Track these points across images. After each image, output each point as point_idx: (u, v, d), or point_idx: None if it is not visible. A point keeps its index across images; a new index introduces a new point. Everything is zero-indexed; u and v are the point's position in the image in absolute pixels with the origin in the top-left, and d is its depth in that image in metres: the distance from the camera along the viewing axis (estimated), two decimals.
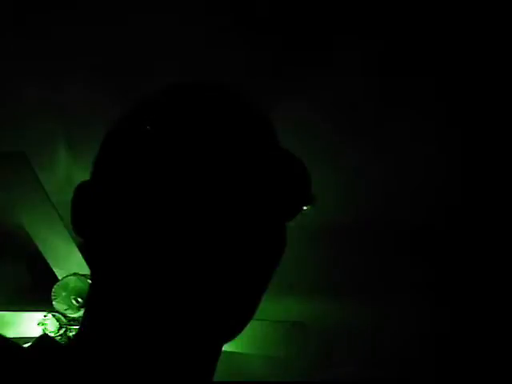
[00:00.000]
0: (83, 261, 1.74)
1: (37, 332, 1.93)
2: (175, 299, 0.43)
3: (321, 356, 2.35)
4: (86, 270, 1.76)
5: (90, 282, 0.52)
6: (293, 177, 0.49)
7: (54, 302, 1.84)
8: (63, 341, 1.93)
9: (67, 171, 1.88)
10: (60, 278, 1.82)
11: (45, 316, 1.90)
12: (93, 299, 0.49)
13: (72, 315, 1.84)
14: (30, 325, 1.93)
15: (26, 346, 0.48)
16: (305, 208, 0.51)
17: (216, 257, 0.43)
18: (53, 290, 1.83)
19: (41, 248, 1.77)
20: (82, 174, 0.51)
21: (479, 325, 2.30)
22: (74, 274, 1.79)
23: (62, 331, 1.91)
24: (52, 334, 1.91)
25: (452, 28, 1.47)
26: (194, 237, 0.42)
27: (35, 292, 2.09)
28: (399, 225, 2.06)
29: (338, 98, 1.67)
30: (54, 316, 1.90)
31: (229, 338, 0.47)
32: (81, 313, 1.80)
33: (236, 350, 1.95)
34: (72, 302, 1.80)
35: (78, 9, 1.45)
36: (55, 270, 1.82)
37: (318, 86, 1.64)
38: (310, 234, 2.09)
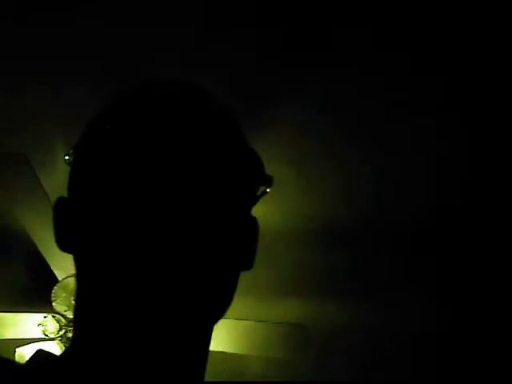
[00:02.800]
0: None
1: (37, 333, 1.93)
2: (153, 296, 0.43)
3: (321, 357, 2.35)
4: None
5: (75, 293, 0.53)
6: (244, 160, 0.49)
7: (53, 303, 1.84)
8: (63, 342, 1.93)
9: (67, 171, 1.87)
10: (60, 279, 1.82)
11: (45, 317, 1.90)
12: (80, 307, 0.51)
13: (72, 316, 1.83)
14: (30, 326, 1.92)
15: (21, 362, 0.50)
16: (264, 189, 0.51)
17: (184, 248, 0.44)
18: (53, 291, 1.83)
19: (41, 249, 1.77)
20: None
21: (479, 325, 2.30)
22: (74, 275, 1.78)
23: (61, 332, 1.91)
24: (52, 335, 1.91)
25: (452, 28, 1.47)
26: (161, 234, 0.43)
27: (35, 293, 2.09)
28: (399, 225, 2.06)
29: (338, 97, 1.67)
30: (53, 317, 1.90)
31: (207, 322, 0.48)
32: None
33: (237, 352, 1.95)
34: (72, 303, 1.79)
35: (78, 9, 1.45)
36: (55, 271, 1.82)
37: (318, 86, 1.64)
38: (310, 236, 2.08)
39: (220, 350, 1.84)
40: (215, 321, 0.50)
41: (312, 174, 1.89)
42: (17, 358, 1.85)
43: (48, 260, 1.79)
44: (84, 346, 0.48)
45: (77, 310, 0.51)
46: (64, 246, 0.50)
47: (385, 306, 2.29)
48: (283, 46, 1.53)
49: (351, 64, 1.57)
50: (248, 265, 0.52)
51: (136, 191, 0.44)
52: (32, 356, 0.49)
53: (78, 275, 0.51)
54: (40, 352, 0.50)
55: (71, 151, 0.52)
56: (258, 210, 0.53)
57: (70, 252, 0.51)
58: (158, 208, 0.43)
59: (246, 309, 2.08)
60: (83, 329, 0.49)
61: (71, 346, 0.50)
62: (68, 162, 0.52)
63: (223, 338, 1.85)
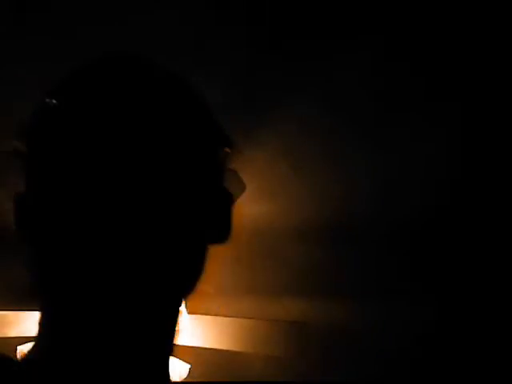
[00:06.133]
0: None
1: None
2: (111, 272, 0.43)
3: (321, 356, 2.35)
4: None
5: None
6: (197, 124, 0.48)
7: None
8: None
9: None
10: None
11: None
12: (41, 305, 0.51)
13: None
14: (32, 324, 1.93)
15: None
16: (225, 150, 0.50)
17: (140, 222, 0.43)
18: None
19: None
20: None
21: (479, 325, 2.30)
22: None
23: None
24: None
25: (452, 28, 1.47)
26: (117, 210, 0.43)
27: (33, 291, 2.09)
28: (400, 225, 2.06)
29: (338, 97, 1.67)
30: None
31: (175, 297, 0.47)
32: None
33: (236, 350, 1.96)
34: None
35: (79, 9, 1.45)
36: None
37: (318, 85, 1.64)
38: (310, 235, 2.09)
39: (220, 347, 1.84)
40: (183, 295, 0.48)
41: (311, 174, 1.90)
42: (18, 357, 1.85)
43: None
44: (46, 338, 0.48)
45: (41, 305, 0.50)
46: (22, 238, 0.50)
47: (386, 305, 2.29)
48: (283, 45, 1.53)
49: (352, 64, 1.57)
50: (220, 237, 0.50)
51: (86, 165, 0.43)
52: None
53: (40, 263, 0.50)
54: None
55: (21, 135, 0.52)
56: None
57: (31, 245, 0.50)
58: (113, 182, 0.43)
59: (246, 307, 2.08)
60: (42, 320, 0.49)
61: (35, 343, 0.49)
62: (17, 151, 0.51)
63: (223, 336, 1.85)
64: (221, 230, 0.50)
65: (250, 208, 1.52)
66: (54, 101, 0.47)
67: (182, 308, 0.50)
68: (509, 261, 2.10)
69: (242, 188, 0.54)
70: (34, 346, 0.50)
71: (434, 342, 2.38)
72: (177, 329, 0.49)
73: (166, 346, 0.48)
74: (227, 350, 1.90)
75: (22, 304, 2.17)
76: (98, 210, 0.43)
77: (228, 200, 0.50)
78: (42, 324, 0.50)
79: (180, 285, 0.47)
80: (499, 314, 2.24)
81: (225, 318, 1.96)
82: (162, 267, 0.44)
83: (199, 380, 1.78)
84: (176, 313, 0.48)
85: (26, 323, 1.92)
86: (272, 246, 2.04)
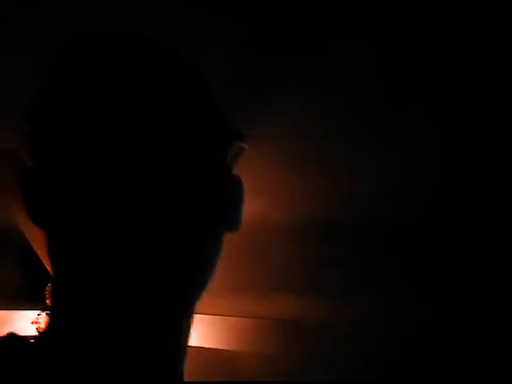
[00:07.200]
0: None
1: (31, 330, 1.93)
2: (133, 264, 0.42)
3: (312, 353, 2.36)
4: None
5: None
6: (211, 114, 0.48)
7: (48, 301, 1.84)
8: None
9: None
10: None
11: (39, 315, 1.91)
12: (55, 293, 0.49)
13: None
14: (24, 323, 1.93)
15: None
16: (238, 145, 0.50)
17: (155, 211, 0.43)
18: (47, 288, 1.84)
19: (35, 246, 1.77)
20: None
21: (479, 325, 2.31)
22: None
23: None
24: None
25: (452, 28, 1.48)
26: (135, 200, 0.42)
27: (29, 291, 2.10)
28: (395, 224, 2.07)
29: (332, 95, 1.68)
30: (47, 315, 1.90)
31: (189, 295, 0.47)
32: None
33: (228, 348, 1.96)
34: None
35: (79, 9, 1.46)
36: (49, 268, 1.82)
37: (313, 83, 1.65)
38: (304, 233, 2.09)
39: (212, 346, 1.85)
40: (199, 287, 0.47)
41: (308, 173, 1.90)
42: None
43: (42, 258, 1.80)
44: (62, 323, 0.46)
45: (54, 289, 0.49)
46: (38, 220, 0.48)
47: (379, 303, 2.29)
48: (283, 44, 1.54)
49: (350, 64, 1.58)
50: (232, 225, 0.49)
51: (111, 157, 0.43)
52: (4, 338, 0.47)
53: (52, 250, 0.48)
54: (12, 335, 0.48)
55: (29, 116, 0.49)
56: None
57: (43, 227, 0.48)
58: (132, 170, 0.42)
59: (238, 306, 2.09)
60: (60, 306, 0.47)
61: (48, 327, 0.47)
62: (26, 129, 0.49)
63: (215, 335, 1.86)
64: (233, 218, 0.50)
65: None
66: (64, 75, 0.46)
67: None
68: (507, 260, 2.10)
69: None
70: (47, 332, 0.47)
71: (430, 342, 2.38)
72: (190, 327, 0.48)
73: (179, 342, 0.48)
74: (217, 349, 1.91)
75: (14, 303, 2.17)
76: (115, 196, 0.42)
77: (240, 188, 0.51)
78: (55, 310, 0.47)
79: (197, 275, 0.46)
80: (498, 313, 2.25)
81: (215, 317, 1.96)
82: (179, 256, 0.44)
83: (190, 380, 1.79)
84: (191, 307, 0.48)
85: (18, 322, 1.93)
86: (263, 244, 2.04)
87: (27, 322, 1.94)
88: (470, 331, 2.31)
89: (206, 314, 1.88)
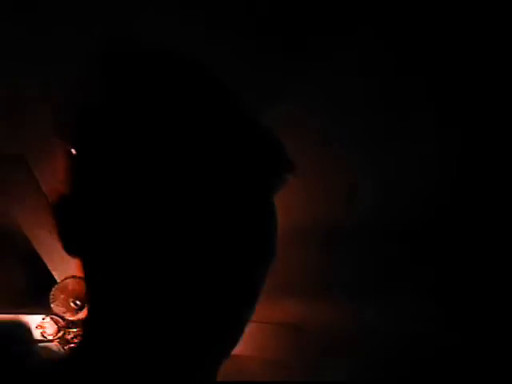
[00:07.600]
0: None
1: (35, 335, 1.93)
2: (176, 304, 0.41)
3: (317, 358, 2.35)
4: None
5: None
6: (266, 145, 0.46)
7: (52, 305, 1.84)
8: (62, 344, 1.93)
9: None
10: (58, 280, 1.82)
11: (43, 319, 1.91)
12: (93, 313, 0.46)
13: (70, 318, 1.84)
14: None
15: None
16: (287, 176, 0.49)
17: (212, 255, 0.41)
18: (51, 292, 1.83)
19: (39, 250, 1.77)
20: None
21: (479, 325, 2.31)
22: (73, 277, 1.79)
23: (60, 334, 1.92)
24: (50, 337, 1.92)
25: (452, 28, 1.48)
26: (191, 238, 0.41)
27: (34, 295, 2.09)
28: (398, 225, 2.06)
29: (337, 97, 1.68)
30: (52, 319, 1.90)
31: (229, 339, 0.48)
32: (79, 315, 1.80)
33: (233, 353, 1.95)
34: (70, 305, 1.80)
35: (79, 9, 1.46)
36: (53, 272, 1.82)
37: (317, 85, 1.64)
38: (307, 236, 2.09)
39: None
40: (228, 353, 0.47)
41: (309, 174, 1.90)
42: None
43: (46, 261, 1.79)
44: (97, 347, 0.44)
45: (91, 313, 0.46)
46: (72, 250, 0.45)
47: (383, 306, 2.29)
48: (283, 43, 1.54)
49: (352, 64, 1.57)
50: (268, 261, 0.47)
51: (151, 192, 0.40)
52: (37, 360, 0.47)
53: (91, 278, 0.45)
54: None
55: (73, 143, 0.45)
56: None
57: (78, 256, 0.45)
58: (193, 210, 0.40)
59: None
60: (96, 329, 0.45)
61: (80, 349, 0.46)
62: (71, 155, 0.45)
63: None
64: (270, 253, 0.48)
65: None
66: (103, 99, 0.43)
67: None
68: (508, 260, 2.10)
69: None
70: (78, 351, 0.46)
71: (432, 342, 2.38)
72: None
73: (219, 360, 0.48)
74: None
75: (18, 307, 2.17)
76: (164, 237, 0.39)
77: (275, 222, 0.48)
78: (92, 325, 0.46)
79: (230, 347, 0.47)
80: (498, 313, 2.25)
81: None
82: (225, 286, 0.43)
83: None
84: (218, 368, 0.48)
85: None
86: None
87: (32, 327, 1.93)
88: (470, 331, 2.29)
89: None
